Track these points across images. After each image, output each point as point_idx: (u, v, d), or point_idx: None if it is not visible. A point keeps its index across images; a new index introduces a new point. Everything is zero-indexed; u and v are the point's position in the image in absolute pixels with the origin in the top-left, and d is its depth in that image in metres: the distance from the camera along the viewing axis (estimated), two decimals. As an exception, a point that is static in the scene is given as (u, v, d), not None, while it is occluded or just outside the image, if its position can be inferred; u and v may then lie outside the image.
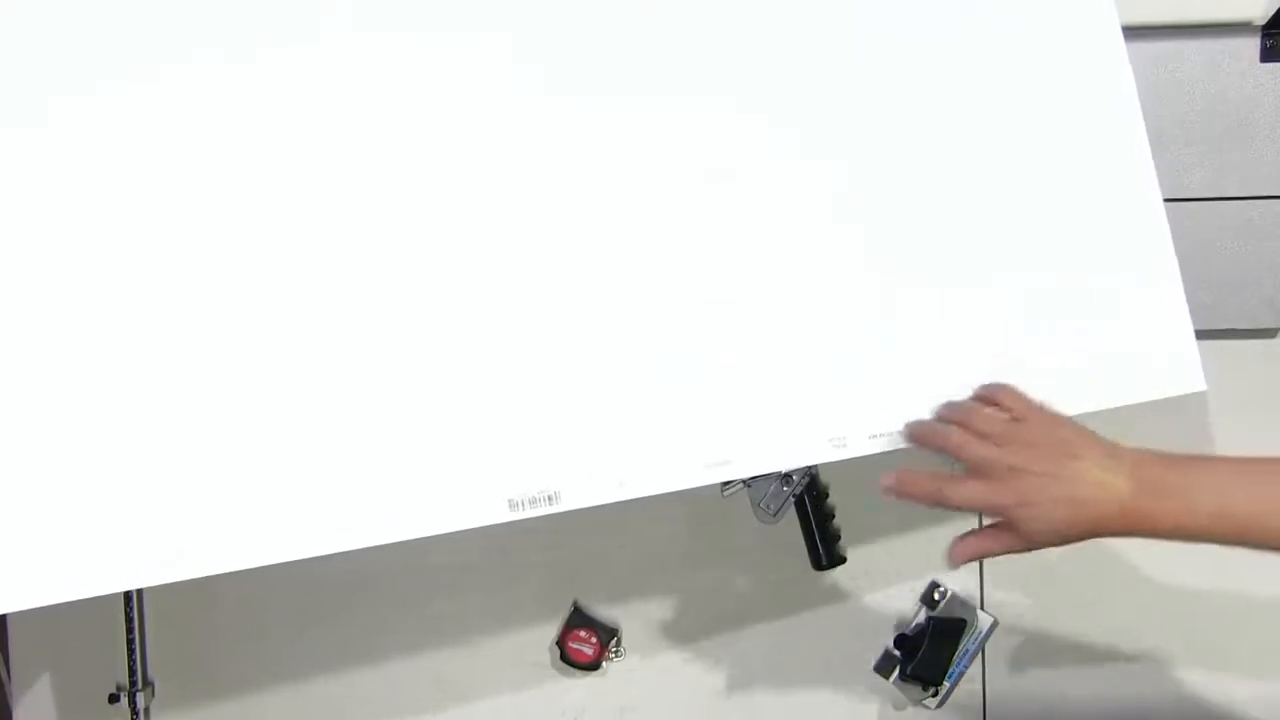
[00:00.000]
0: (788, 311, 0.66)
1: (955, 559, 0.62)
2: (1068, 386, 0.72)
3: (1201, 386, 0.78)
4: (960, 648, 0.89)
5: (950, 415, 0.65)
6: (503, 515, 0.57)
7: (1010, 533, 0.60)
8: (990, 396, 0.66)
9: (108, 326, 0.51)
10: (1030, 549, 0.60)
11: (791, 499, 0.88)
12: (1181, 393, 0.77)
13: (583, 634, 0.90)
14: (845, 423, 0.66)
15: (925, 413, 0.68)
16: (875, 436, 0.67)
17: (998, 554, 0.61)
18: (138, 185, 0.53)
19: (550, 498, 0.58)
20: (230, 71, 0.55)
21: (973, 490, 0.61)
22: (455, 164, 0.59)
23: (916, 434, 0.65)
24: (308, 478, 0.54)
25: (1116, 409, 0.73)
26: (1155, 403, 0.76)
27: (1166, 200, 0.79)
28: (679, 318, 0.63)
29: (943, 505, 0.61)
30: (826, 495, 0.88)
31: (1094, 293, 0.75)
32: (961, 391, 0.69)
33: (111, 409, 0.51)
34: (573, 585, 0.92)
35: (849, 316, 0.68)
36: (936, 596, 0.91)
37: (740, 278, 0.65)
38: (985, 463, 0.60)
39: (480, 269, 0.59)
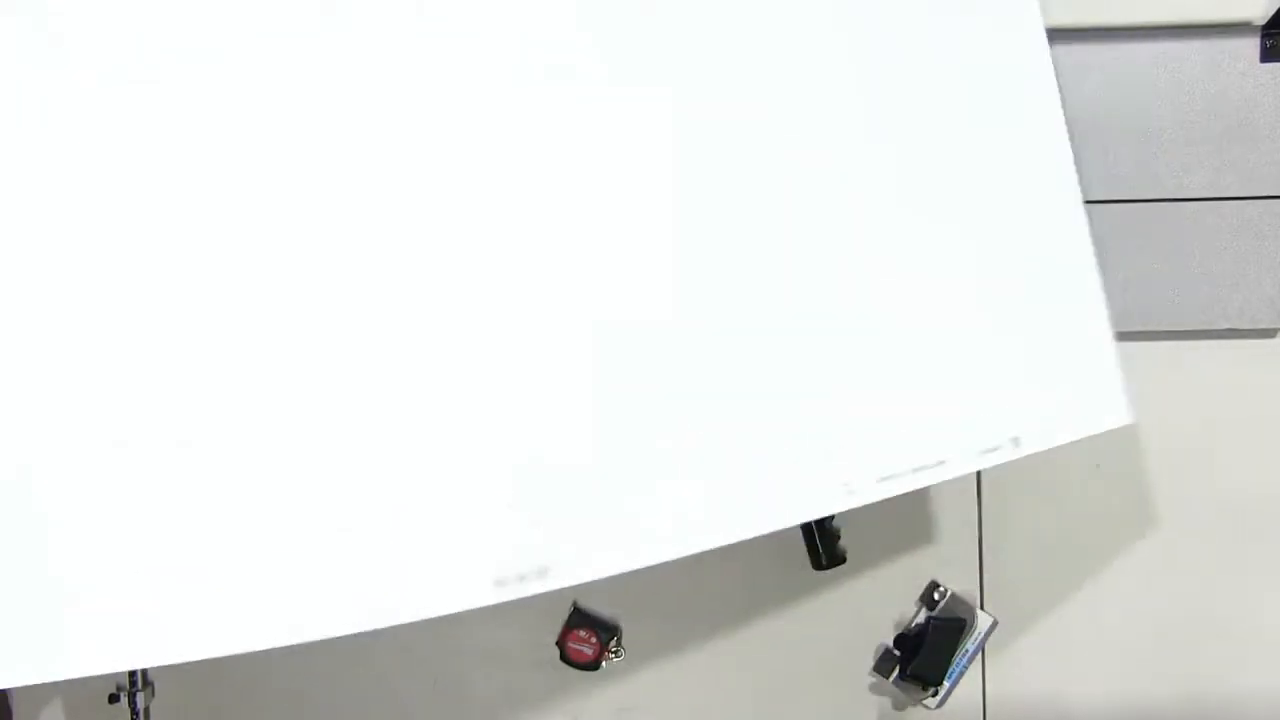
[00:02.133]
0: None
1: None
2: (978, 430, 0.66)
3: (1127, 420, 0.68)
4: (960, 648, 0.89)
5: None
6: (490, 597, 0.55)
7: None
8: None
9: (100, 375, 0.50)
10: None
11: (791, 499, 0.88)
12: (1104, 429, 0.68)
13: (583, 634, 0.90)
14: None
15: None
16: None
17: None
18: (133, 198, 0.53)
19: (540, 571, 0.57)
20: (229, 71, 0.55)
21: None
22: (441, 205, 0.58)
23: None
24: (293, 559, 0.52)
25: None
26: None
27: (1167, 200, 0.78)
28: (677, 348, 0.61)
29: None
30: (826, 495, 0.88)
31: (1009, 319, 0.68)
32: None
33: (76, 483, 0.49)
34: (573, 585, 0.92)
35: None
36: (936, 596, 0.91)
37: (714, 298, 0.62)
38: None
39: (478, 281, 0.58)
